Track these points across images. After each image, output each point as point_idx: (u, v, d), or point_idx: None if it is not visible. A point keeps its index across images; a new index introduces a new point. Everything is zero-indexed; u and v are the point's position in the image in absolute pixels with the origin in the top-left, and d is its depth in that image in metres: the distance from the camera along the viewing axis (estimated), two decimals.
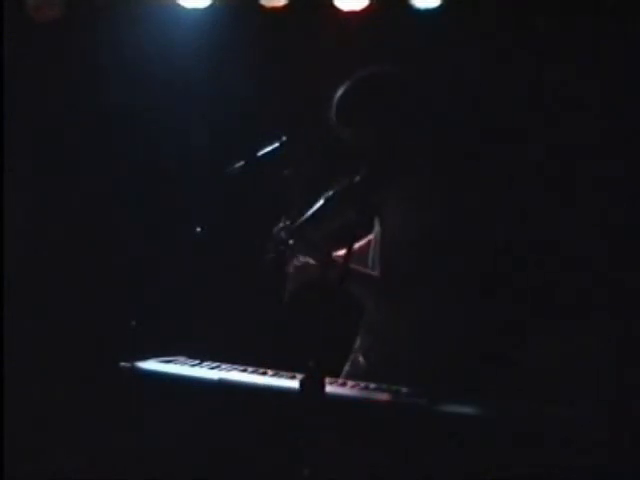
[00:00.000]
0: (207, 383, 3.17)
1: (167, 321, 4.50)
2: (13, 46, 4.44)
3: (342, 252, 3.32)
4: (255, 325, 4.49)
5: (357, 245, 3.54)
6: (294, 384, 2.93)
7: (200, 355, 3.42)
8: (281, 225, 3.38)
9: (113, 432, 3.44)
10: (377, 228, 3.45)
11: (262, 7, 4.40)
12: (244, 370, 3.27)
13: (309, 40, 4.47)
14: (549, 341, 4.01)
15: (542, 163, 4.18)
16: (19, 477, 3.97)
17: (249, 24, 4.54)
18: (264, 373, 3.24)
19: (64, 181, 4.75)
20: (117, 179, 4.70)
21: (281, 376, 3.20)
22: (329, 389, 2.85)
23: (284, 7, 4.38)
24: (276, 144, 3.56)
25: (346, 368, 3.51)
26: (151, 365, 3.32)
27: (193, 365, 3.34)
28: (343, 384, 3.14)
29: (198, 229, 3.82)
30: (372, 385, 3.12)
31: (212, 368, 3.30)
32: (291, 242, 3.33)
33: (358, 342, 3.51)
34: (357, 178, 3.39)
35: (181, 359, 3.41)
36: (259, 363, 3.31)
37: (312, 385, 2.72)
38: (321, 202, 3.41)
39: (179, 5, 4.44)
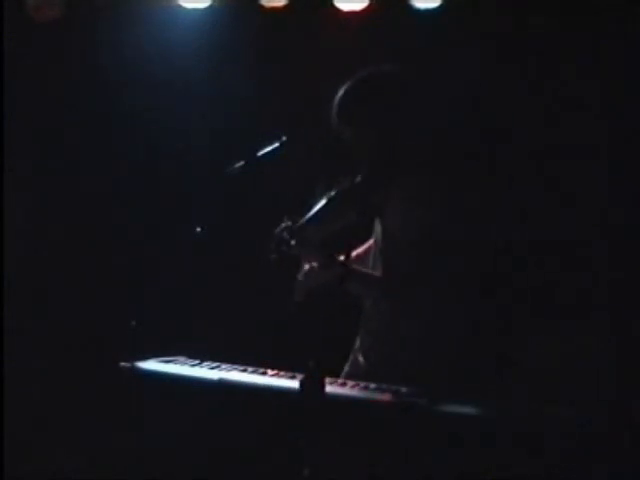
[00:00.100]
0: (207, 383, 3.18)
1: (167, 321, 4.50)
2: (13, 46, 4.44)
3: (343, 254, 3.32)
4: (255, 325, 4.48)
5: (357, 251, 3.54)
6: (294, 384, 2.93)
7: (200, 355, 3.42)
8: (283, 226, 3.38)
9: (113, 432, 3.44)
10: (378, 229, 3.45)
11: (262, 7, 4.39)
12: (244, 370, 3.27)
13: (309, 40, 4.47)
14: (549, 341, 4.01)
15: (542, 163, 4.18)
16: (19, 477, 3.97)
17: (249, 24, 4.53)
18: (264, 373, 3.24)
19: (64, 181, 4.74)
20: (117, 179, 4.70)
21: (281, 376, 3.20)
22: (329, 389, 2.85)
23: (284, 7, 4.37)
24: (276, 144, 3.56)
25: (346, 368, 3.51)
26: (151, 365, 3.32)
27: (193, 365, 3.34)
28: (343, 384, 3.14)
29: (198, 229, 3.82)
30: (372, 385, 3.12)
31: (212, 368, 3.30)
32: (293, 243, 3.33)
33: (358, 342, 3.51)
34: (358, 179, 3.40)
35: (181, 359, 3.41)
36: (259, 363, 3.31)
37: (312, 385, 2.72)
38: (323, 203, 3.42)
39: (179, 5, 4.44)
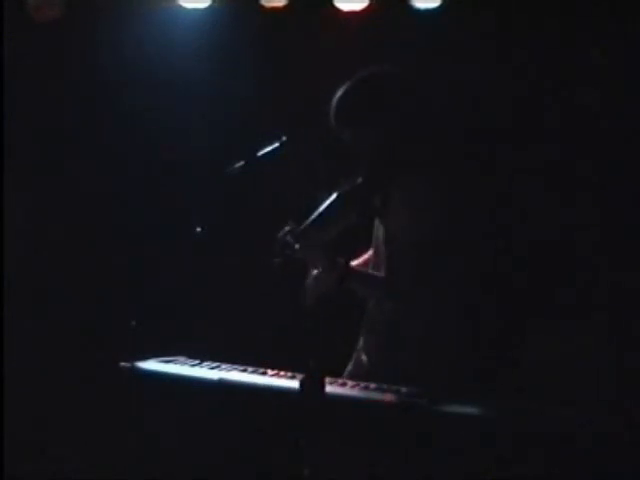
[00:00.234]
0: (207, 383, 3.18)
1: (167, 321, 4.50)
2: (13, 46, 4.44)
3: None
4: (255, 325, 4.48)
5: (356, 262, 3.54)
6: (294, 384, 2.93)
7: (200, 355, 3.42)
8: (286, 230, 3.38)
9: (113, 432, 3.44)
10: (379, 229, 3.44)
11: (262, 7, 4.39)
12: (244, 370, 3.27)
13: (309, 40, 4.47)
14: (549, 341, 4.01)
15: (542, 163, 4.18)
16: (19, 477, 3.97)
17: (249, 24, 4.53)
18: (264, 373, 3.24)
19: (64, 181, 4.74)
20: (117, 179, 4.70)
21: (281, 376, 3.20)
22: (329, 389, 2.85)
23: (284, 7, 4.37)
24: (276, 144, 3.56)
25: (349, 367, 3.52)
26: (151, 365, 3.32)
27: (193, 365, 3.34)
28: (343, 384, 3.14)
29: (198, 229, 3.82)
30: (372, 385, 3.12)
31: (212, 368, 3.30)
32: (297, 246, 3.33)
33: (361, 341, 3.51)
34: (359, 180, 3.40)
35: (181, 359, 3.41)
36: (259, 363, 3.31)
37: (312, 385, 2.72)
38: (325, 205, 3.42)
39: (179, 5, 4.44)
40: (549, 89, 4.16)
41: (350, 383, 3.16)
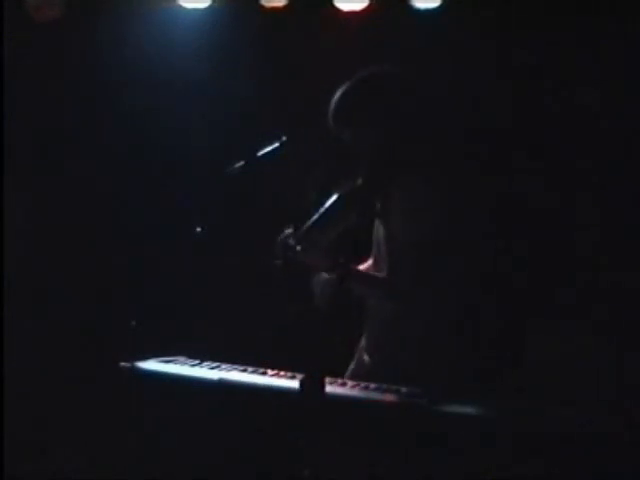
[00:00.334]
0: (207, 383, 3.17)
1: (167, 321, 4.50)
2: (13, 46, 4.44)
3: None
4: (255, 325, 4.48)
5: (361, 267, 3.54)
6: (294, 384, 2.93)
7: (200, 355, 3.41)
8: (286, 232, 3.38)
9: (113, 432, 3.44)
10: (379, 230, 3.44)
11: (262, 7, 4.39)
12: (244, 370, 3.27)
13: (309, 40, 4.47)
14: (549, 341, 4.01)
15: (542, 163, 4.18)
16: (19, 477, 3.97)
17: (249, 24, 4.54)
18: (264, 373, 3.24)
19: (64, 181, 4.74)
20: (117, 179, 4.70)
21: (281, 376, 3.20)
22: (329, 389, 2.85)
23: (284, 7, 4.37)
24: (276, 144, 3.56)
25: (351, 366, 3.52)
26: (151, 365, 3.32)
27: (193, 365, 3.34)
28: (343, 384, 3.14)
29: (198, 229, 3.82)
30: (372, 385, 3.12)
31: (212, 368, 3.30)
32: (299, 248, 3.32)
33: (363, 341, 3.51)
34: (359, 181, 3.40)
35: (181, 359, 3.41)
36: (259, 363, 3.31)
37: (312, 385, 2.72)
38: (325, 207, 3.42)
39: (179, 5, 4.45)
40: (549, 89, 4.16)
41: (350, 383, 3.16)
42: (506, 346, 4.03)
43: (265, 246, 3.44)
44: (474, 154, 4.07)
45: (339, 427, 2.90)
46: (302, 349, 2.79)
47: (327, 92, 3.43)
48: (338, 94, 3.40)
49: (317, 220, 3.41)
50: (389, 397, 3.01)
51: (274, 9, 4.39)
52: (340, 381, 3.18)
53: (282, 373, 3.22)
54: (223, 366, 3.30)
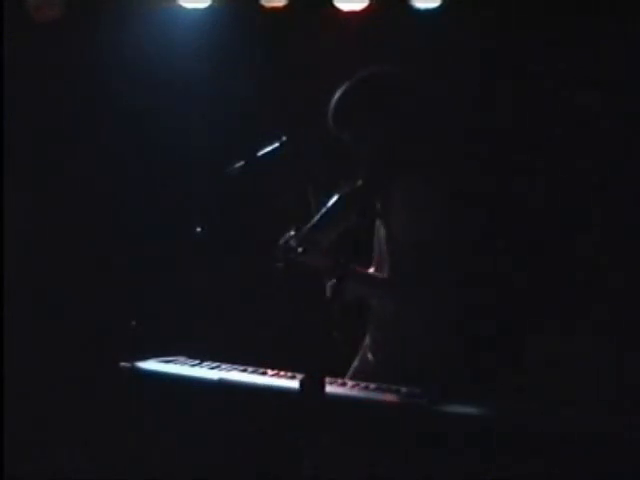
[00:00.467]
0: (207, 383, 3.18)
1: (167, 321, 4.50)
2: (13, 46, 4.44)
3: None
4: (255, 325, 4.48)
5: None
6: (294, 384, 2.93)
7: (200, 355, 3.42)
8: (287, 235, 3.37)
9: (113, 432, 3.44)
10: (380, 230, 3.44)
11: (262, 7, 4.39)
12: (244, 370, 3.27)
13: (309, 40, 4.47)
14: (549, 341, 4.01)
15: (542, 163, 4.18)
16: (19, 477, 3.97)
17: (249, 24, 4.54)
18: (264, 373, 3.24)
19: (64, 181, 4.74)
20: (117, 179, 4.70)
21: (281, 376, 3.20)
22: (329, 389, 2.85)
23: (284, 7, 4.38)
24: (276, 144, 3.56)
25: (355, 363, 3.52)
26: (151, 365, 3.32)
27: (193, 365, 3.34)
28: (343, 384, 3.14)
29: (198, 229, 3.82)
30: (372, 385, 3.12)
31: (212, 368, 3.30)
32: (300, 250, 3.32)
33: (367, 339, 3.52)
34: (359, 182, 3.40)
35: (181, 359, 3.41)
36: (259, 363, 3.31)
37: (312, 385, 2.72)
38: (326, 207, 3.42)
39: (179, 5, 4.45)
40: (549, 89, 4.16)
41: (350, 383, 3.16)
42: (506, 346, 4.03)
43: (265, 246, 3.44)
44: (474, 154, 4.07)
45: (339, 427, 2.89)
46: (302, 349, 2.79)
47: (327, 92, 3.43)
48: (338, 94, 3.40)
49: (318, 221, 3.41)
50: (389, 397, 3.01)
51: (274, 9, 4.39)
52: (340, 381, 3.18)
53: (282, 373, 3.22)
54: (223, 366, 3.30)
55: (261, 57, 4.58)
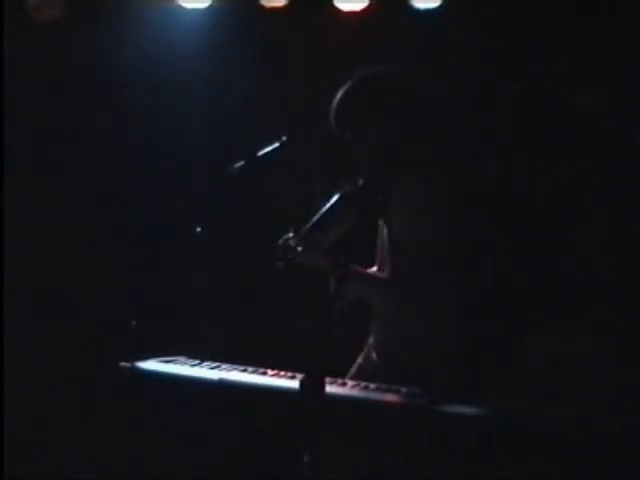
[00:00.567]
0: (207, 383, 3.17)
1: (167, 321, 4.50)
2: (13, 46, 4.44)
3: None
4: (255, 325, 4.48)
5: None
6: (294, 384, 2.93)
7: (200, 355, 3.41)
8: (287, 235, 3.37)
9: (113, 432, 3.44)
10: (383, 230, 3.44)
11: (262, 7, 4.39)
12: (244, 370, 3.27)
13: (309, 40, 4.47)
14: (549, 341, 4.01)
15: (542, 162, 4.18)
16: (19, 477, 3.97)
17: (249, 24, 4.54)
18: (264, 373, 3.24)
19: (64, 181, 4.74)
20: (117, 179, 4.70)
21: (281, 376, 3.20)
22: (329, 389, 2.84)
23: (284, 7, 4.38)
24: (276, 144, 3.56)
25: (359, 360, 3.52)
26: (151, 365, 3.32)
27: (193, 365, 3.34)
28: (343, 384, 3.14)
29: (198, 229, 3.82)
30: (372, 385, 3.12)
31: (212, 368, 3.30)
32: (300, 250, 3.32)
33: (371, 338, 3.52)
34: (360, 182, 3.40)
35: (181, 359, 3.41)
36: (259, 363, 3.31)
37: (312, 385, 2.72)
38: (326, 207, 3.42)
39: (179, 5, 4.45)
40: (549, 89, 4.16)
41: (350, 383, 3.16)
42: (506, 346, 4.03)
43: (265, 246, 3.44)
44: (474, 154, 4.07)
45: (339, 427, 2.89)
46: (302, 349, 2.79)
47: (327, 92, 3.43)
48: (339, 94, 3.40)
49: (318, 221, 3.41)
50: (389, 397, 3.01)
51: (274, 9, 4.39)
52: (340, 381, 3.18)
53: (282, 373, 3.22)
54: (223, 366, 3.30)
55: (261, 57, 4.58)
